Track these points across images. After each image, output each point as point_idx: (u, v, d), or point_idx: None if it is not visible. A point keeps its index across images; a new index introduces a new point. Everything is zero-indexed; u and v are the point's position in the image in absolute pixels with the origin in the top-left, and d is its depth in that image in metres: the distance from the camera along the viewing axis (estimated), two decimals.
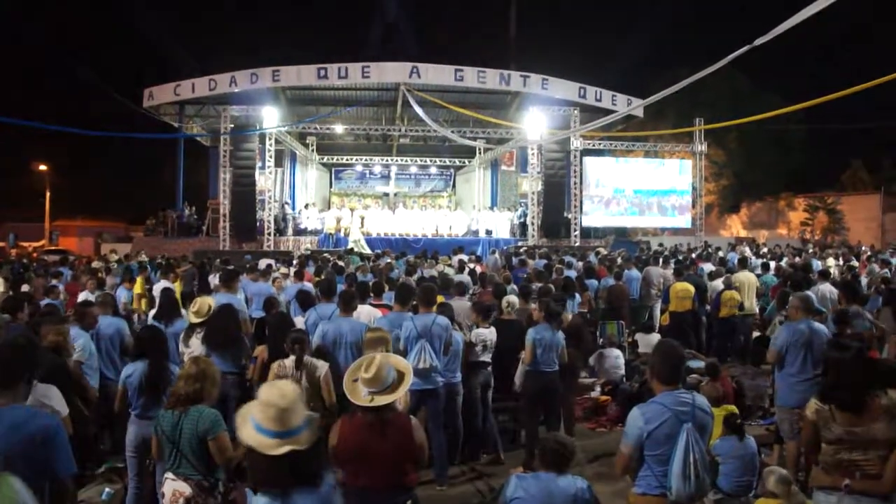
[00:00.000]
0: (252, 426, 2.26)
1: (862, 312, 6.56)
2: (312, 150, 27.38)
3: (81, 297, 8.20)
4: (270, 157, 21.29)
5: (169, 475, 3.60)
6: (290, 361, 4.66)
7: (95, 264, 13.93)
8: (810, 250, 20.30)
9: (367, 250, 19.13)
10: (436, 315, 5.80)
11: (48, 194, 38.98)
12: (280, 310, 7.22)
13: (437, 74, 20.34)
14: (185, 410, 3.60)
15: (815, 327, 5.42)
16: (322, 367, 4.70)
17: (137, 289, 10.25)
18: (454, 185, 30.04)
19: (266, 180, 21.53)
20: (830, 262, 15.51)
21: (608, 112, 18.91)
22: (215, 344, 5.66)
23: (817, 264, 13.37)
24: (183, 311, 6.94)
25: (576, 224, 22.26)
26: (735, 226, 38.50)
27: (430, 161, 28.90)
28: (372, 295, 7.52)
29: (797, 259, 15.53)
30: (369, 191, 29.18)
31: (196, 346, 5.75)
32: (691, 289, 10.16)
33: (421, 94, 20.26)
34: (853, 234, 32.37)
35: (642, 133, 25.33)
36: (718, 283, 10.63)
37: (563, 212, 22.72)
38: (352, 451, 3.38)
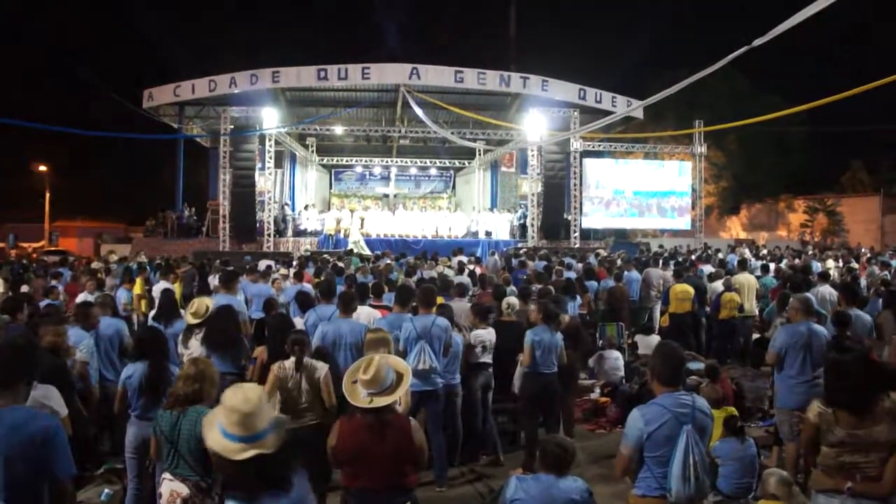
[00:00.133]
0: (218, 431, 2.23)
1: (862, 315, 6.56)
2: (312, 152, 27.38)
3: (81, 297, 8.18)
4: (270, 158, 21.30)
5: (167, 475, 3.60)
6: (290, 363, 4.66)
7: (95, 265, 13.92)
8: (810, 252, 20.31)
9: (367, 251, 19.13)
10: (435, 316, 5.80)
11: (48, 195, 38.95)
12: (280, 311, 7.22)
13: (437, 76, 20.35)
14: (184, 411, 3.60)
15: (815, 329, 5.42)
16: (322, 368, 4.70)
17: (137, 290, 10.24)
18: (454, 187, 30.05)
19: (266, 181, 21.54)
20: (830, 263, 15.52)
21: (608, 114, 18.91)
22: (215, 345, 5.65)
23: (817, 266, 13.38)
24: (182, 311, 6.94)
25: (575, 225, 22.27)
26: (735, 227, 38.50)
27: (430, 162, 28.92)
28: (371, 296, 7.52)
29: (797, 261, 15.53)
30: (369, 192, 29.19)
31: (195, 347, 5.75)
32: (691, 290, 10.16)
33: (421, 96, 20.28)
34: (853, 235, 32.37)
35: (642, 135, 25.35)
36: (718, 285, 10.63)
37: (563, 213, 22.72)
38: (351, 453, 3.38)
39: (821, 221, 34.35)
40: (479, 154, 26.89)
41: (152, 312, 7.43)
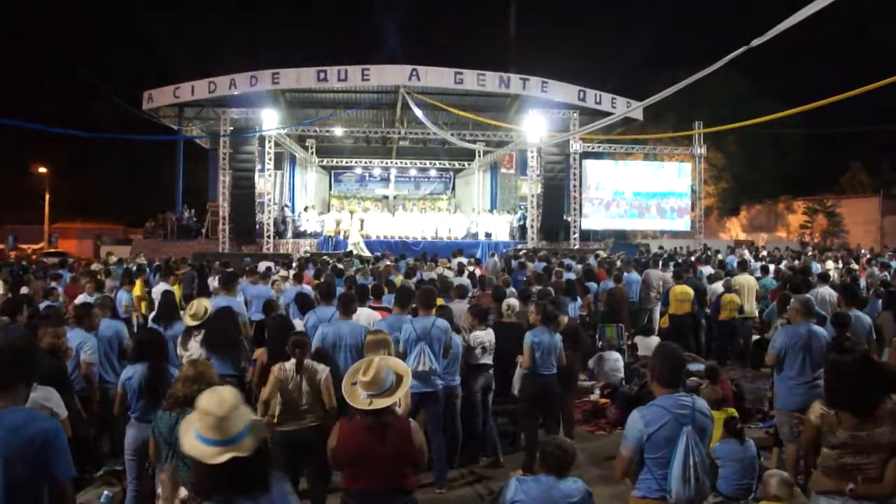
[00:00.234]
0: (194, 435, 2.20)
1: (861, 316, 6.56)
2: (312, 153, 27.39)
3: (80, 299, 8.19)
4: (270, 159, 21.30)
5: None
6: (290, 364, 4.65)
7: (94, 267, 13.93)
8: (809, 253, 20.31)
9: (367, 253, 19.13)
10: (435, 318, 5.80)
11: (47, 196, 38.97)
12: (279, 312, 7.22)
13: (437, 77, 20.36)
14: (183, 412, 3.59)
15: (814, 330, 5.42)
16: (323, 371, 4.69)
17: (137, 291, 10.24)
18: (454, 188, 30.07)
19: (265, 183, 21.55)
20: (830, 265, 15.51)
21: (608, 115, 18.92)
22: (215, 347, 5.65)
23: (816, 267, 13.38)
24: (182, 313, 6.93)
25: (575, 227, 22.28)
26: (734, 229, 38.52)
27: (430, 164, 28.94)
28: (371, 298, 7.52)
29: (796, 262, 15.53)
30: (369, 193, 29.21)
31: (194, 348, 5.74)
32: (690, 292, 10.16)
33: (420, 97, 20.28)
34: (852, 236, 32.38)
35: (641, 136, 25.37)
36: (718, 286, 10.63)
37: (563, 214, 22.73)
38: (351, 455, 3.38)
39: (820, 222, 34.36)
40: (479, 155, 26.90)
41: (152, 314, 7.43)
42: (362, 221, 23.07)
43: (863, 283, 12.13)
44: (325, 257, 15.41)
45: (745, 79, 34.44)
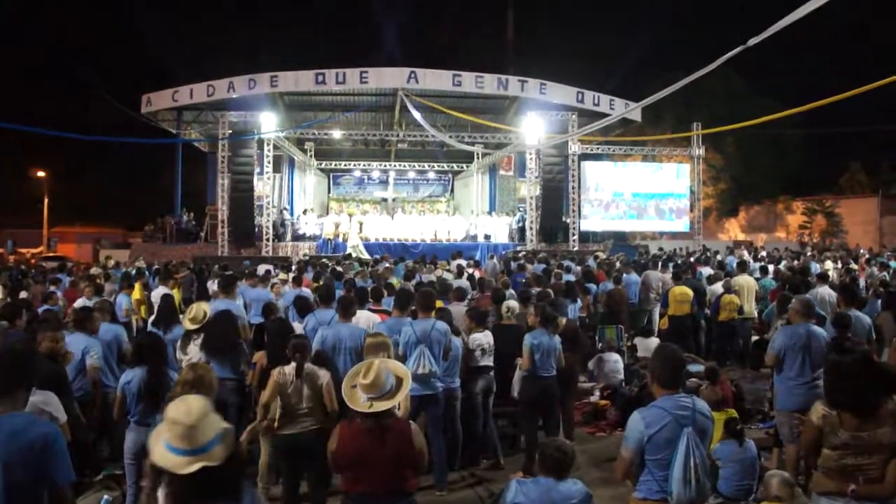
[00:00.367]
0: (163, 445, 2.18)
1: (861, 316, 6.56)
2: (311, 156, 27.38)
3: (79, 303, 8.18)
4: (269, 162, 21.29)
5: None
6: (290, 368, 4.64)
7: (94, 271, 13.90)
8: (809, 253, 20.32)
9: (366, 255, 19.11)
10: (435, 320, 5.79)
11: (46, 200, 38.96)
12: (279, 316, 7.21)
13: (435, 79, 20.36)
14: None
15: (814, 331, 5.42)
16: (324, 375, 4.68)
17: (136, 295, 10.23)
18: (452, 190, 30.06)
19: (264, 186, 21.54)
20: (829, 265, 15.53)
21: (606, 117, 18.92)
22: (214, 350, 5.64)
23: (816, 267, 13.39)
24: (181, 317, 6.93)
25: (574, 228, 22.28)
26: (733, 229, 38.55)
27: (429, 166, 28.94)
28: (371, 300, 7.51)
29: (796, 262, 15.54)
30: (368, 196, 29.20)
31: (194, 352, 5.74)
32: (690, 293, 10.16)
33: (419, 100, 20.28)
34: (851, 237, 32.41)
35: (640, 137, 25.38)
36: (717, 287, 10.63)
37: (562, 216, 22.73)
38: (351, 457, 3.38)
39: (819, 223, 34.39)
40: (478, 157, 26.89)
41: (151, 318, 7.42)
42: (361, 224, 23.05)
43: (862, 283, 12.13)
44: (324, 260, 15.40)
45: (743, 78, 34.53)
